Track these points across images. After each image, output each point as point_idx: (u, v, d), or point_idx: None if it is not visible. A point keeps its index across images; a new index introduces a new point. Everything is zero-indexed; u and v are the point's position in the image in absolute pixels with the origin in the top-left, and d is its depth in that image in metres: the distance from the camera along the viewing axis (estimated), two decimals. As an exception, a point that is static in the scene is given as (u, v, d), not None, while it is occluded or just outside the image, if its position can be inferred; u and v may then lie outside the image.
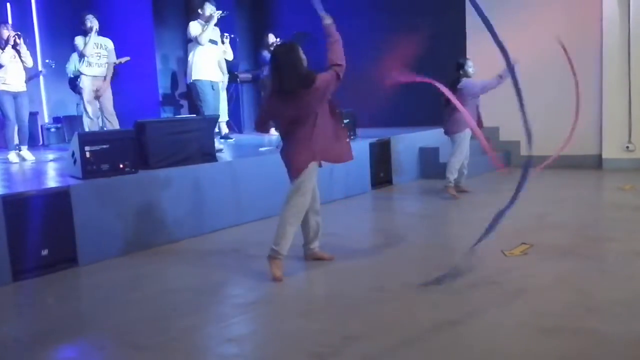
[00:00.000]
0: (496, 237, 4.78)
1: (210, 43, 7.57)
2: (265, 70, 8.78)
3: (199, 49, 7.45)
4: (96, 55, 7.32)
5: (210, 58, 7.56)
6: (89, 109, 7.35)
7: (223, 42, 8.48)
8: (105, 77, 7.42)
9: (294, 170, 3.91)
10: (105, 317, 3.46)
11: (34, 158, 7.21)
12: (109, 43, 7.47)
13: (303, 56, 3.89)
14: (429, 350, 2.77)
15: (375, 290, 3.63)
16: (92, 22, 7.30)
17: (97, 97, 7.31)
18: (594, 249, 4.36)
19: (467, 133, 6.48)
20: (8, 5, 10.19)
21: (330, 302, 3.49)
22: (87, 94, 7.32)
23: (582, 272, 3.78)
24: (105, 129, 7.44)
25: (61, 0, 10.55)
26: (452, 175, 6.48)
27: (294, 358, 2.78)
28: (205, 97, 7.39)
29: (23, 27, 9.27)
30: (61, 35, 10.16)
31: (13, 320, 3.57)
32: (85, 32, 7.31)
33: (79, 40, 7.32)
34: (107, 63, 7.42)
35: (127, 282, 4.09)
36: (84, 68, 7.34)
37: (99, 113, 7.45)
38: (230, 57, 8.54)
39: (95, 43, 7.30)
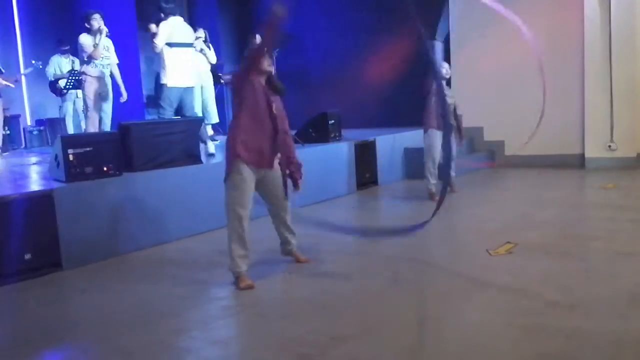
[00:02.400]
0: (481, 236, 4.83)
1: (182, 46, 6.87)
2: None
3: (168, 52, 6.74)
4: (100, 57, 7.24)
5: (182, 61, 6.78)
6: (92, 112, 7.24)
7: (208, 47, 8.47)
8: (112, 77, 7.42)
9: (226, 166, 3.81)
10: (90, 322, 3.43)
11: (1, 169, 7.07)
12: (110, 44, 7.37)
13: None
14: (414, 349, 2.78)
15: (359, 291, 3.64)
16: (99, 22, 7.12)
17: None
18: (578, 247, 4.40)
19: (434, 132, 6.37)
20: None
21: (314, 303, 3.49)
22: (90, 94, 7.20)
23: (565, 271, 3.81)
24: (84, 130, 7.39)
25: (43, 1, 10.47)
26: (431, 179, 6.38)
27: (279, 358, 2.78)
28: (164, 104, 6.84)
29: (4, 27, 9.17)
30: (43, 36, 10.07)
31: (-4, 325, 3.53)
32: (89, 31, 7.18)
33: (85, 40, 7.13)
34: (109, 64, 7.32)
35: (111, 286, 4.06)
36: (88, 69, 7.22)
37: (82, 115, 7.38)
38: (213, 60, 8.55)
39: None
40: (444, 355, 2.72)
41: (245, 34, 10.54)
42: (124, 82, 7.75)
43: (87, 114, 7.30)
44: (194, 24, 10.17)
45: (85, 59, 7.23)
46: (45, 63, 9.04)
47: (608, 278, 3.64)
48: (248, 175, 3.75)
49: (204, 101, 8.39)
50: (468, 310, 3.23)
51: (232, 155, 3.76)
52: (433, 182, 6.41)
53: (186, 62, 6.78)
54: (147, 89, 10.72)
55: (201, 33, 8.55)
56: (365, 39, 10.08)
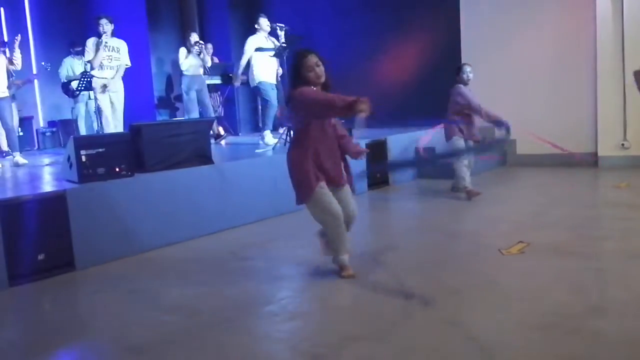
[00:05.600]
0: (494, 236, 4.81)
1: (266, 51, 7.86)
2: None
3: (256, 56, 7.84)
4: (107, 58, 7.23)
5: (268, 64, 7.90)
6: (106, 111, 7.27)
7: (200, 52, 8.61)
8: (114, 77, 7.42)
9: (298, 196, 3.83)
10: (103, 322, 3.45)
11: (27, 162, 7.17)
12: (122, 45, 7.38)
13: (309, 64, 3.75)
14: (427, 350, 2.77)
15: (371, 291, 3.63)
16: (105, 27, 7.18)
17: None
18: (591, 247, 4.37)
19: (457, 138, 6.35)
20: (1, 9, 10.18)
21: (326, 303, 3.49)
22: (100, 95, 7.25)
23: (578, 270, 3.78)
24: (99, 132, 7.42)
25: (55, 5, 10.55)
26: (464, 180, 6.28)
27: (292, 359, 2.78)
28: (269, 95, 7.77)
29: (17, 31, 9.24)
30: (55, 39, 10.16)
31: (9, 325, 3.55)
32: (99, 35, 7.24)
33: (88, 45, 7.21)
34: (119, 65, 7.32)
35: (124, 285, 4.07)
36: (95, 71, 7.28)
37: (94, 116, 7.42)
38: (209, 63, 8.74)
39: (106, 46, 7.23)
40: (457, 356, 2.71)
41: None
42: (134, 82, 7.79)
43: (101, 116, 7.33)
44: (205, 26, 10.25)
45: (86, 62, 7.30)
46: (58, 65, 9.11)
47: (621, 278, 3.61)
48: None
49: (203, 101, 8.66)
50: (481, 310, 3.22)
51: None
52: (466, 179, 6.31)
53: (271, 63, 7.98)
54: (158, 90, 10.78)
55: (196, 37, 8.74)
56: (375, 39, 10.07)
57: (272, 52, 7.77)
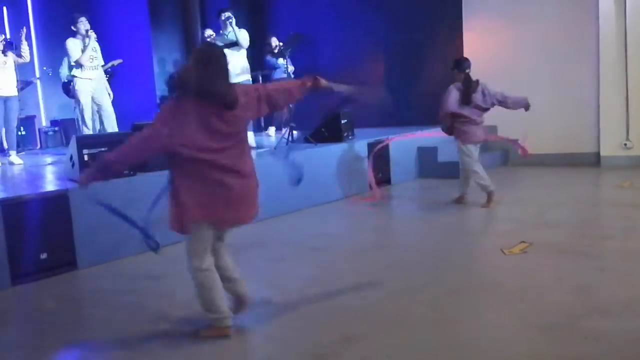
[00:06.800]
0: (496, 236, 4.80)
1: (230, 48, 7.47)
2: (276, 74, 8.86)
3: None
4: (89, 59, 7.21)
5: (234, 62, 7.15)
6: (87, 113, 7.26)
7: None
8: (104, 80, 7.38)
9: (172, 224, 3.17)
10: (105, 321, 3.45)
11: (22, 162, 7.16)
12: (97, 45, 7.33)
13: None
14: (429, 350, 2.77)
15: (374, 291, 3.63)
16: (86, 25, 7.08)
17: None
18: (593, 246, 4.36)
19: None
20: (4, 9, 10.19)
21: (329, 303, 3.48)
22: (83, 97, 7.23)
23: (581, 270, 3.78)
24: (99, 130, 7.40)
25: (57, 4, 10.55)
26: (487, 182, 5.84)
27: (294, 358, 2.78)
28: None
29: (19, 30, 9.28)
30: (58, 39, 10.14)
31: (12, 324, 3.56)
32: (75, 34, 7.17)
33: (72, 45, 7.10)
34: (99, 65, 7.27)
35: (126, 285, 4.08)
36: (77, 72, 7.24)
37: (95, 116, 7.39)
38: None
39: (88, 46, 7.18)
40: (459, 355, 2.71)
41: (258, 33, 10.56)
42: (137, 82, 7.76)
43: (83, 117, 7.27)
44: (207, 26, 10.24)
45: (73, 64, 7.23)
46: (59, 65, 9.11)
47: (624, 277, 3.61)
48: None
49: None
50: (483, 310, 3.22)
51: None
52: (488, 183, 5.84)
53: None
54: (160, 89, 10.78)
55: (210, 32, 8.74)
56: (377, 39, 10.06)
57: (238, 48, 7.50)
